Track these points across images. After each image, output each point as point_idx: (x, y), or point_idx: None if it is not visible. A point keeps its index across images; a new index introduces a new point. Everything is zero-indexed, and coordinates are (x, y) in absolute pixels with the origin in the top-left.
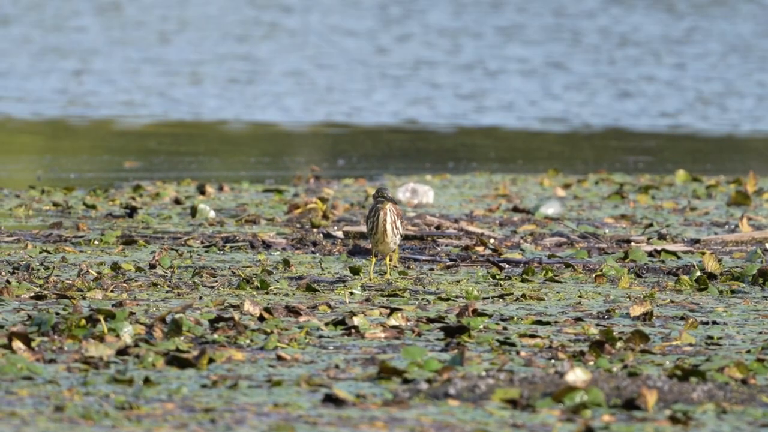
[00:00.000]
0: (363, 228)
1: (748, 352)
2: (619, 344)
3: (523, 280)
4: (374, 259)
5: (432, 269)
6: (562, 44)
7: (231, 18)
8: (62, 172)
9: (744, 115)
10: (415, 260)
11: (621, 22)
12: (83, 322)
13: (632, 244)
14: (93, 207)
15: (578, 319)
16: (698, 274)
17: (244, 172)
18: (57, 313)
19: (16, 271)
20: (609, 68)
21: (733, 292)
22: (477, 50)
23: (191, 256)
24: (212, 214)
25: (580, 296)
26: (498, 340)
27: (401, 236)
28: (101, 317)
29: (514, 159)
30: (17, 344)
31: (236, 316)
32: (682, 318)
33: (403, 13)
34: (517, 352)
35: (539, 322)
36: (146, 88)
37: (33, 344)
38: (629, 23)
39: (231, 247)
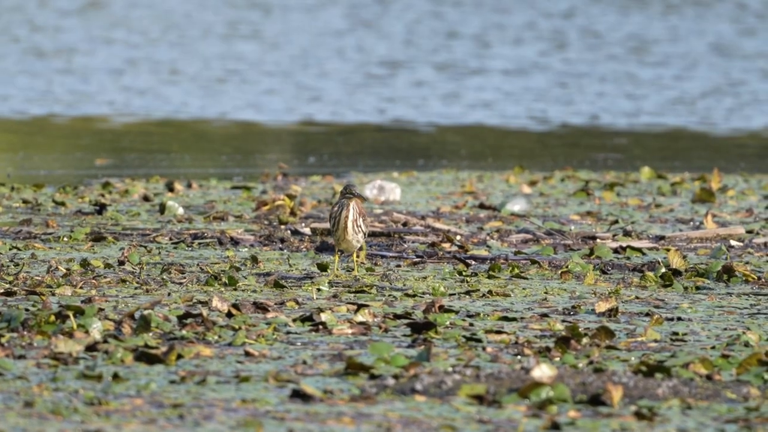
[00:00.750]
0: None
1: (713, 348)
2: (584, 340)
3: (489, 277)
4: (338, 256)
5: (399, 266)
6: (542, 43)
7: (212, 17)
8: (33, 169)
9: (721, 114)
10: (382, 257)
11: (598, 21)
12: (52, 318)
13: (598, 240)
14: (62, 204)
15: (544, 316)
16: (663, 270)
17: (214, 169)
18: (26, 310)
19: None
20: (589, 67)
21: (697, 288)
22: (457, 48)
23: (160, 253)
24: (181, 211)
25: (546, 292)
26: (464, 336)
27: (365, 234)
28: (70, 313)
29: (485, 156)
30: None
31: (204, 312)
32: (647, 314)
33: (381, 11)
34: (484, 348)
35: (505, 319)
36: (126, 87)
37: (2, 340)
38: (605, 22)
39: (199, 243)
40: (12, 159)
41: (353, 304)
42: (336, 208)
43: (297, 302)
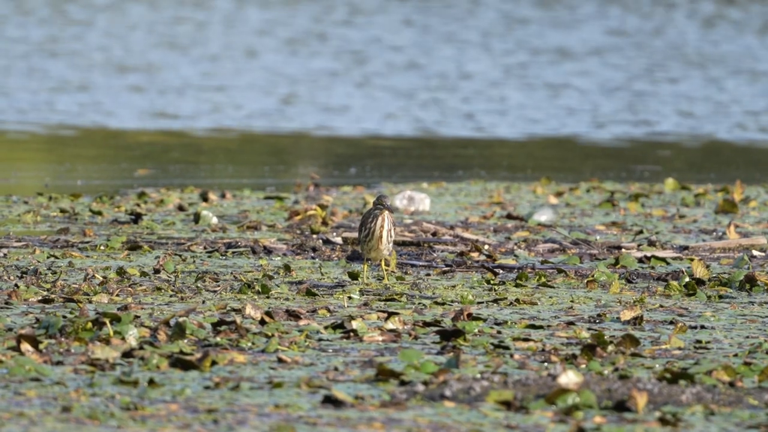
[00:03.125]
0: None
1: (736, 355)
2: (610, 348)
3: (516, 285)
4: (367, 265)
5: (428, 274)
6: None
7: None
8: (69, 179)
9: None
10: (412, 266)
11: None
12: (89, 325)
13: (623, 250)
14: (99, 213)
15: (570, 323)
16: (687, 279)
17: (247, 179)
18: (64, 317)
19: (24, 275)
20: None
21: (720, 297)
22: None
23: (194, 261)
24: (215, 220)
25: (572, 301)
26: (492, 344)
27: (392, 243)
28: (107, 320)
29: (524, 169)
30: (25, 346)
31: (238, 319)
32: (671, 322)
33: (405, 19)
34: (511, 355)
35: (532, 326)
36: (158, 99)
37: (41, 347)
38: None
39: (233, 252)
40: (51, 169)
41: (384, 312)
42: (370, 219)
43: (329, 310)
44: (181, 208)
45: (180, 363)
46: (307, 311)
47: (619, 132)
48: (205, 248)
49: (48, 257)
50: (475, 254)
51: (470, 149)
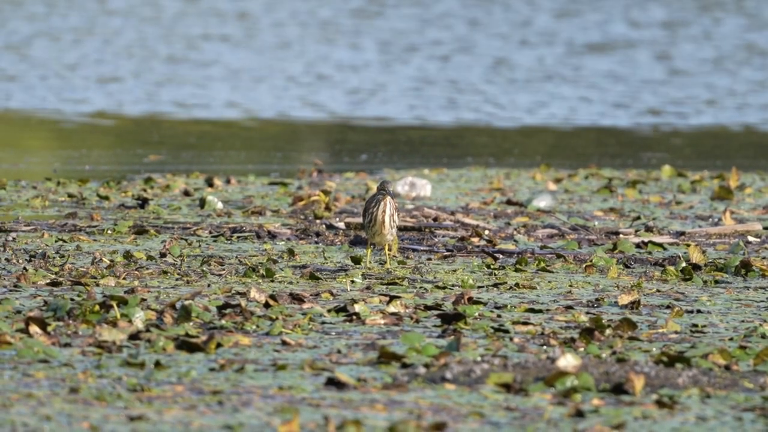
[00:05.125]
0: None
1: (731, 339)
2: (608, 331)
3: (516, 270)
4: (370, 249)
5: (430, 259)
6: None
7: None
8: (78, 165)
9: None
10: (414, 250)
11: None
12: (97, 307)
13: (620, 236)
14: (106, 198)
15: (569, 308)
16: (683, 264)
17: (252, 165)
18: (72, 299)
19: (32, 258)
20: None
21: (716, 282)
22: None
23: (200, 246)
24: (220, 205)
25: (570, 285)
26: (492, 327)
27: (396, 228)
28: (114, 303)
29: (532, 155)
30: (34, 329)
31: (243, 302)
32: (668, 307)
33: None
34: (511, 339)
35: (532, 310)
36: (165, 85)
37: (49, 329)
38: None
39: (238, 237)
40: (63, 155)
41: (386, 295)
42: (373, 204)
43: (332, 293)
44: (186, 194)
45: (186, 345)
46: (311, 295)
47: (641, 120)
48: (210, 233)
49: (56, 241)
50: (475, 239)
51: (483, 137)
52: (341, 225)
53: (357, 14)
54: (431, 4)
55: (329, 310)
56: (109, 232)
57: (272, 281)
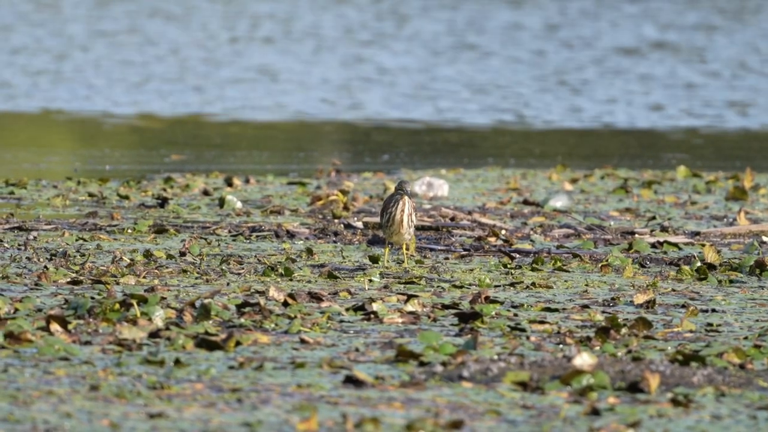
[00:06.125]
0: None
1: (746, 338)
2: (623, 330)
3: (532, 269)
4: (388, 248)
5: (447, 258)
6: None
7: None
8: (98, 164)
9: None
10: (431, 250)
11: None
12: (117, 306)
13: (636, 235)
14: (126, 197)
15: (585, 307)
16: (698, 264)
17: (271, 165)
18: (92, 298)
19: (53, 257)
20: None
21: (731, 281)
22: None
23: (219, 245)
24: (239, 204)
25: (586, 285)
26: (509, 326)
27: (413, 228)
28: (134, 302)
29: (554, 156)
30: (55, 327)
31: (262, 301)
32: (683, 306)
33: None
34: (528, 338)
35: (548, 309)
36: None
37: (69, 327)
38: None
39: (257, 236)
40: (86, 154)
41: (403, 294)
42: (391, 203)
43: (350, 292)
44: (206, 193)
45: (205, 343)
46: (329, 293)
47: (665, 122)
48: (229, 232)
49: (77, 240)
50: (492, 239)
51: (506, 137)
52: (359, 224)
53: (389, 17)
54: (460, 6)
55: (347, 309)
56: (129, 231)
57: (291, 280)
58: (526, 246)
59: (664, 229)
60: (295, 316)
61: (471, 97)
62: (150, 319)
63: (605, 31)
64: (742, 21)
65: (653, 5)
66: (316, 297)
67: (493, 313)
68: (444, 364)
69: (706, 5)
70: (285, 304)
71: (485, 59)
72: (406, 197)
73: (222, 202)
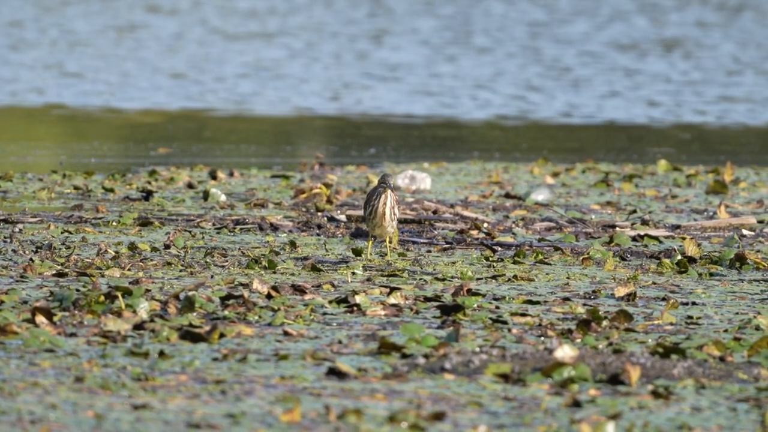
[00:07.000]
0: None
1: (726, 331)
2: (604, 323)
3: (514, 262)
4: (371, 241)
5: (429, 251)
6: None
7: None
8: (85, 157)
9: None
10: (414, 243)
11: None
12: (102, 298)
13: (617, 229)
14: (111, 190)
15: (566, 299)
16: (679, 257)
17: (254, 158)
18: (77, 290)
19: (39, 250)
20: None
21: (711, 274)
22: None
23: (203, 237)
24: (223, 198)
25: (568, 278)
26: (491, 318)
27: (396, 221)
28: (119, 294)
29: (539, 150)
30: (40, 319)
31: (245, 293)
32: (663, 299)
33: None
34: (509, 330)
35: (530, 302)
36: (167, 79)
37: (55, 319)
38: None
39: (241, 229)
40: (69, 148)
41: (386, 287)
42: (374, 196)
43: (333, 285)
44: (190, 186)
45: (189, 335)
46: (312, 286)
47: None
48: (213, 225)
49: (62, 232)
50: (474, 232)
51: (496, 131)
52: (342, 217)
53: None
54: (457, 1)
55: (330, 302)
56: (114, 223)
57: (274, 273)
58: (508, 239)
59: (644, 223)
60: (279, 309)
61: (466, 93)
62: (135, 311)
63: (601, 27)
64: (733, 17)
65: (647, 0)
66: (299, 289)
67: (475, 305)
68: (426, 356)
69: (696, 1)
70: (268, 296)
71: (482, 55)
72: (389, 190)
73: (206, 195)
